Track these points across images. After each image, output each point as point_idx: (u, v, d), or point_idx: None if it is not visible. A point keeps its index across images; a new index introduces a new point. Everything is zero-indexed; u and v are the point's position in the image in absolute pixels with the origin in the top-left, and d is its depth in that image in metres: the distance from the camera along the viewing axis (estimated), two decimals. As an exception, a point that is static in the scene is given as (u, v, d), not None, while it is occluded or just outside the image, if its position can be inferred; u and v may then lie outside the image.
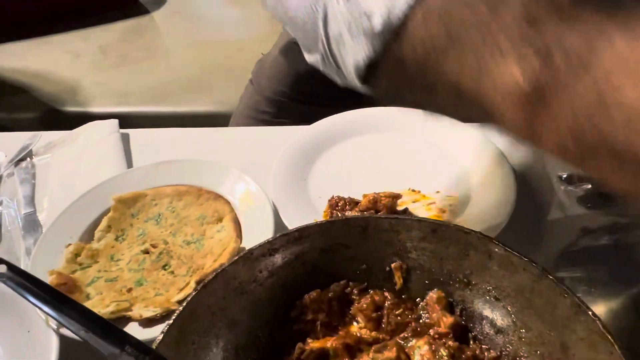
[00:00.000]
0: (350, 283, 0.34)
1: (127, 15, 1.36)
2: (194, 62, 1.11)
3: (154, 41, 1.23)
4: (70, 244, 0.44)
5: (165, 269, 0.42)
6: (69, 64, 1.15)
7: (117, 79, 1.07)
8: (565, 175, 0.47)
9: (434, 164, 0.51)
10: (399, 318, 0.33)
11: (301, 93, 0.72)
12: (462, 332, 0.31)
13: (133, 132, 0.62)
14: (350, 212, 0.45)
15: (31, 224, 0.50)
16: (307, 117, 0.65)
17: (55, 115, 0.98)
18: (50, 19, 1.33)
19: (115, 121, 0.62)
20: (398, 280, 0.33)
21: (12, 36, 1.28)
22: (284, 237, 0.33)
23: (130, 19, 1.35)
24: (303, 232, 0.33)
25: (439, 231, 0.32)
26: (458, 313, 0.32)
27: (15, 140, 0.61)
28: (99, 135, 0.59)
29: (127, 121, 0.94)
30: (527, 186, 0.47)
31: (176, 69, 1.09)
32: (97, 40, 1.25)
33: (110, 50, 1.20)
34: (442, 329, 0.31)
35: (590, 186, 0.45)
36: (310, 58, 0.35)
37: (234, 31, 1.24)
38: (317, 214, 0.46)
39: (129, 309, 0.38)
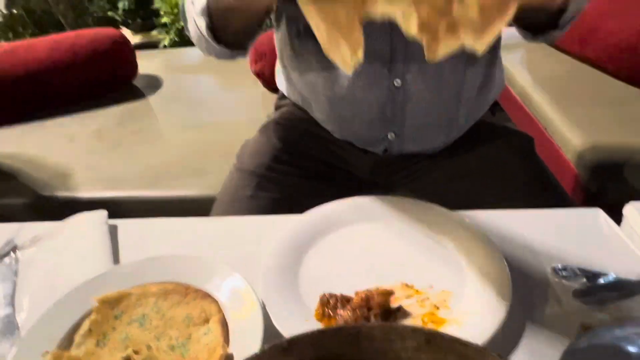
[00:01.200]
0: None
1: (124, 99, 1.41)
2: (186, 146, 1.13)
3: (148, 125, 1.26)
4: (47, 352, 0.41)
5: (148, 378, 0.40)
6: (63, 148, 1.16)
7: (110, 163, 1.08)
8: (559, 267, 0.47)
9: (427, 256, 0.50)
10: None
11: (280, 163, 0.76)
12: None
13: (121, 223, 0.61)
14: (342, 311, 0.43)
15: (8, 327, 0.47)
16: (285, 189, 0.73)
17: (44, 201, 0.97)
18: (48, 103, 1.37)
19: (104, 213, 0.61)
20: (394, 393, 0.31)
21: (8, 121, 1.31)
22: (273, 349, 0.31)
23: (127, 103, 1.39)
24: (293, 343, 0.32)
25: (433, 342, 0.30)
26: None
27: (1, 232, 0.60)
28: (86, 228, 0.58)
29: (118, 207, 0.95)
30: (521, 279, 0.46)
31: (169, 153, 1.11)
32: (93, 124, 1.28)
33: (105, 134, 1.22)
34: None
35: (585, 279, 0.44)
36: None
37: (226, 114, 1.28)
38: (308, 312, 0.44)
39: None
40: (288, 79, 0.81)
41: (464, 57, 0.70)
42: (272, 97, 0.97)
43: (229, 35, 0.65)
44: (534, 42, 0.70)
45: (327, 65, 0.71)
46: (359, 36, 0.40)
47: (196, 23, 0.65)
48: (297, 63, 0.76)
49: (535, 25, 0.67)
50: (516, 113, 1.32)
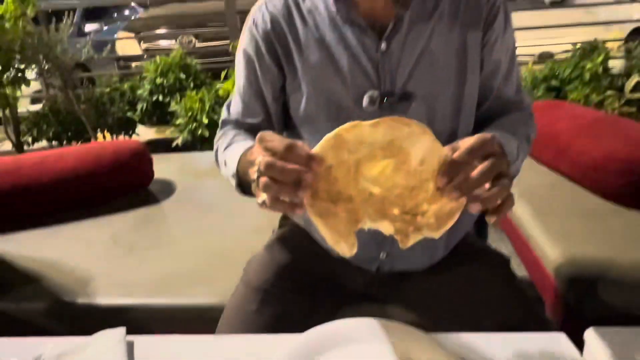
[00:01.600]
0: None
1: (139, 204, 1.52)
2: (196, 252, 1.22)
3: (161, 230, 1.36)
4: None
5: None
6: (81, 253, 1.25)
7: (125, 269, 1.17)
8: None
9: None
10: None
11: (282, 280, 0.85)
12: None
13: (137, 340, 0.69)
14: None
15: None
16: (288, 304, 0.82)
17: (63, 307, 1.05)
18: (65, 208, 1.48)
19: (122, 330, 0.69)
20: None
21: (28, 225, 1.42)
22: None
23: (141, 208, 1.50)
24: None
25: None
26: None
27: (29, 346, 0.67)
28: (107, 347, 0.65)
29: (134, 314, 1.02)
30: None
31: (180, 259, 1.20)
32: (109, 229, 1.38)
33: (120, 239, 1.32)
34: None
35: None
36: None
37: (233, 221, 1.38)
38: None
39: None
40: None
41: None
42: None
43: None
44: None
45: None
46: (353, 240, 0.57)
47: (228, 177, 0.80)
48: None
49: None
50: (503, 223, 1.42)
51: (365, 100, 0.76)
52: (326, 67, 0.78)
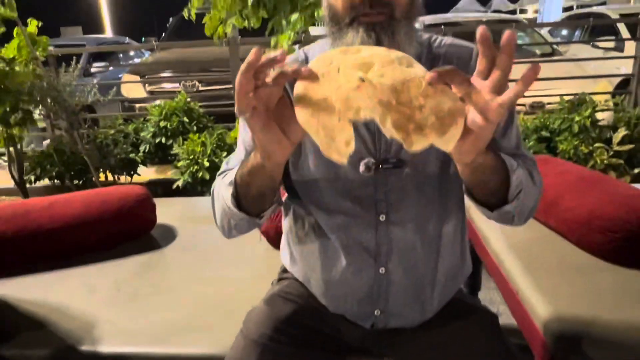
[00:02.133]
0: None
1: (142, 250, 1.56)
2: (196, 300, 1.26)
3: (163, 277, 1.40)
4: None
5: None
6: (85, 299, 1.29)
7: (127, 316, 1.20)
8: None
9: None
10: None
11: (281, 334, 0.89)
12: None
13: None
14: None
15: None
16: (287, 359, 0.84)
17: (67, 353, 1.08)
18: (70, 253, 1.52)
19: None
20: None
21: (33, 269, 1.46)
22: None
23: (144, 254, 1.55)
24: None
25: None
26: None
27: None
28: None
29: (135, 364, 1.05)
30: None
31: (180, 307, 1.23)
32: (113, 275, 1.42)
33: (123, 285, 1.35)
34: None
35: None
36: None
37: (234, 269, 1.43)
38: None
39: None
40: (292, 258, 0.98)
41: (435, 251, 0.88)
42: (275, 254, 1.12)
43: (248, 201, 0.80)
44: (492, 219, 0.84)
45: (326, 254, 0.89)
46: (349, 131, 0.57)
47: (224, 196, 0.82)
48: (300, 248, 0.93)
49: (487, 200, 0.80)
50: (494, 274, 1.47)
51: (361, 167, 0.83)
52: None
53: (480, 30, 0.54)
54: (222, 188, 0.83)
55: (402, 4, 0.77)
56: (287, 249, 0.99)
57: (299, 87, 0.60)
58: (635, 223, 1.26)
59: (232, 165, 0.92)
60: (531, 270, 1.31)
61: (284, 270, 1.04)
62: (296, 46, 2.36)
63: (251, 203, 0.80)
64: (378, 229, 0.85)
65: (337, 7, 0.78)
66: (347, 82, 0.58)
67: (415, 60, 0.60)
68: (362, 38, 0.75)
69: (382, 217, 0.85)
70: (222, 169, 0.95)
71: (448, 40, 0.90)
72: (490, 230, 1.57)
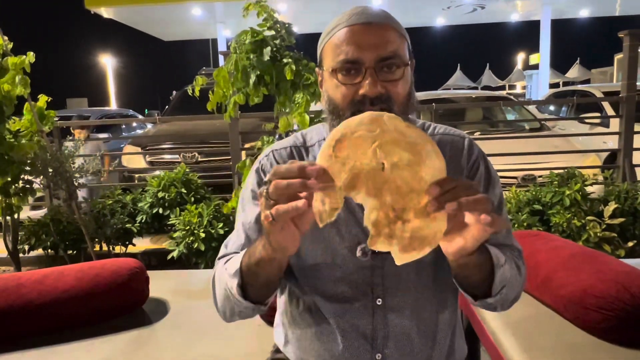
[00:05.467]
0: None
1: (132, 326, 1.53)
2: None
3: (152, 356, 1.37)
4: None
5: None
6: (70, 379, 1.24)
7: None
8: None
9: None
10: None
11: None
12: None
13: None
14: None
15: None
16: None
17: None
18: (60, 329, 1.49)
19: None
20: None
21: (19, 346, 1.42)
22: None
23: (134, 330, 1.52)
24: None
25: None
26: None
27: None
28: None
29: None
30: None
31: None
32: (101, 353, 1.38)
33: (111, 364, 1.31)
34: None
35: None
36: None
37: (225, 347, 1.39)
38: None
39: None
40: (285, 338, 0.97)
41: (432, 338, 0.88)
42: (268, 331, 1.10)
43: (255, 289, 0.80)
44: (476, 306, 0.85)
45: (320, 335, 0.88)
46: (339, 204, 0.61)
47: (227, 285, 0.82)
48: (294, 329, 0.93)
49: (471, 291, 0.82)
50: (493, 354, 1.44)
51: (358, 252, 0.85)
52: None
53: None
54: (225, 276, 0.83)
55: (400, 99, 0.81)
56: (281, 328, 0.98)
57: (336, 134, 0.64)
58: (628, 301, 1.27)
59: (231, 250, 0.93)
60: (529, 350, 1.29)
61: (277, 350, 1.02)
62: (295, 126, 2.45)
63: (258, 291, 0.81)
64: (375, 314, 0.86)
65: (337, 102, 0.82)
66: (367, 161, 0.62)
67: (438, 150, 0.63)
68: None
69: (379, 302, 0.86)
70: (221, 253, 0.95)
71: (441, 128, 0.95)
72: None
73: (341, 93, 0.81)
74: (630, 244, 2.96)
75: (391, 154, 0.62)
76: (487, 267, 0.76)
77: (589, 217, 3.00)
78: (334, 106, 0.83)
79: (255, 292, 0.81)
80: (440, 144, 0.91)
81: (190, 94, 2.70)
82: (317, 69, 0.89)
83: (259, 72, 2.38)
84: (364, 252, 0.84)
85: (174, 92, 6.56)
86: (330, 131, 0.86)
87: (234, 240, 0.94)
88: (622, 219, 2.97)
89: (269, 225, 0.64)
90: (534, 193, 3.25)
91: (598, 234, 2.91)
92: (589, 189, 3.17)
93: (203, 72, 6.01)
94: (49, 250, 3.26)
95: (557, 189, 3.16)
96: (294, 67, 2.33)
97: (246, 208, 0.94)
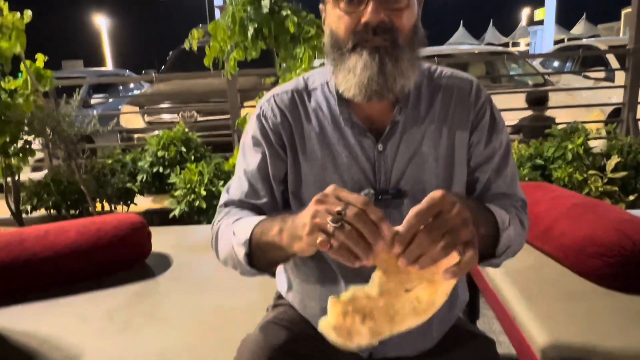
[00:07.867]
0: None
1: (135, 279, 1.55)
2: (192, 330, 1.24)
3: (156, 307, 1.38)
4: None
5: None
6: (76, 330, 1.27)
7: (119, 347, 1.18)
8: None
9: None
10: None
11: None
12: None
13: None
14: None
15: None
16: None
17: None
18: (63, 282, 1.51)
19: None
20: None
21: (24, 299, 1.44)
22: None
23: (137, 283, 1.53)
24: None
25: None
26: None
27: None
28: None
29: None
30: None
31: (174, 337, 1.21)
32: (105, 304, 1.40)
33: (116, 315, 1.33)
34: None
35: None
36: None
37: (227, 297, 1.41)
38: None
39: None
40: (288, 283, 0.97)
41: None
42: (270, 281, 1.10)
43: (262, 264, 0.80)
44: (481, 266, 0.87)
45: (323, 279, 0.88)
46: (349, 333, 0.65)
47: (234, 249, 0.81)
48: (297, 272, 0.93)
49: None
50: (492, 301, 1.46)
51: None
52: (326, 162, 0.86)
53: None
54: (233, 240, 0.81)
55: (406, 31, 0.78)
56: (284, 274, 0.99)
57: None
58: (629, 248, 1.27)
59: (233, 195, 0.93)
60: (528, 297, 1.31)
61: (279, 297, 1.03)
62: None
63: (265, 265, 0.81)
64: None
65: (340, 34, 0.79)
66: (403, 302, 0.64)
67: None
68: (365, 61, 0.76)
69: None
70: (223, 199, 0.94)
71: (448, 71, 0.91)
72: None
73: (344, 23, 0.78)
74: (631, 197, 2.96)
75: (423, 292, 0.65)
76: (492, 229, 0.76)
77: (590, 171, 2.98)
78: (336, 39, 0.80)
79: (261, 265, 0.80)
80: (448, 87, 0.88)
81: (187, 48, 2.63)
82: (320, 5, 0.85)
83: (256, 25, 2.31)
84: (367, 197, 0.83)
85: (171, 53, 6.42)
86: (333, 72, 0.83)
87: (236, 186, 0.93)
88: (624, 173, 2.96)
89: (318, 247, 0.61)
90: (536, 148, 3.23)
91: (599, 188, 2.91)
92: (591, 143, 3.14)
93: (200, 28, 5.86)
94: (52, 210, 3.27)
95: (559, 143, 3.13)
96: (295, 19, 2.26)
97: (247, 154, 0.92)
